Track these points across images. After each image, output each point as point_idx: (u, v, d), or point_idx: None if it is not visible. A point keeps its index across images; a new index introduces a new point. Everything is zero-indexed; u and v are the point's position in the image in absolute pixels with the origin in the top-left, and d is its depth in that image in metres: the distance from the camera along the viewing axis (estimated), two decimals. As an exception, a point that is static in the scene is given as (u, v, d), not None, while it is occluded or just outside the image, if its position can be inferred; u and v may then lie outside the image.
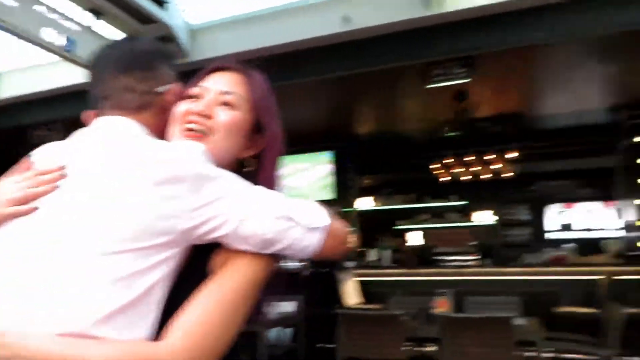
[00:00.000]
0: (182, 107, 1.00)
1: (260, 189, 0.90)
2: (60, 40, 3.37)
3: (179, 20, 4.20)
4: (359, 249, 7.48)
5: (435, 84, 4.37)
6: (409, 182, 8.62)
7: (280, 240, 0.87)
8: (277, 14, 4.37)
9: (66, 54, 3.41)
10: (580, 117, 6.51)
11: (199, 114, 0.97)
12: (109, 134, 0.94)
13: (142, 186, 0.81)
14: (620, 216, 7.30)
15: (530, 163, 7.43)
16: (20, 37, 3.15)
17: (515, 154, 6.83)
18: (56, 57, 3.96)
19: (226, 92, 1.00)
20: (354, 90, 5.44)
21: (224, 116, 0.98)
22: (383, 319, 3.44)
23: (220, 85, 1.01)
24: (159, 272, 0.81)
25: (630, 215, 6.82)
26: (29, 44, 3.51)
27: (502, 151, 6.95)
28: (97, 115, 0.99)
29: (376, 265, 6.73)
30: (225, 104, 0.99)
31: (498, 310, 3.57)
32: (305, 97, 5.62)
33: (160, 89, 1.01)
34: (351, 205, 7.55)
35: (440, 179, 7.61)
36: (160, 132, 0.99)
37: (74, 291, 0.75)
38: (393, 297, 4.95)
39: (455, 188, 8.15)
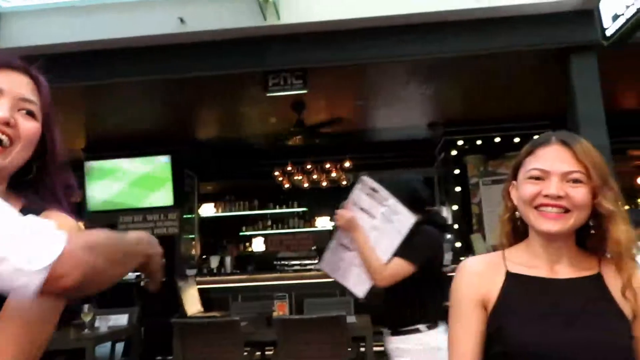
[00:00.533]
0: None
1: None
2: None
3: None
4: (200, 256, 7.28)
5: (273, 92, 4.46)
6: (251, 189, 8.65)
7: None
8: (109, 6, 4.08)
9: None
10: (405, 131, 7.15)
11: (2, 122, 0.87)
12: None
13: None
14: (438, 220, 8.18)
15: (363, 172, 7.95)
16: None
17: (348, 164, 7.27)
18: None
19: (28, 100, 0.92)
20: (193, 93, 5.30)
21: (27, 126, 0.90)
22: (221, 325, 3.37)
23: (18, 89, 0.91)
24: None
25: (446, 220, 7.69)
26: None
27: (337, 161, 7.35)
28: None
29: (218, 272, 6.60)
30: (28, 112, 0.91)
31: (333, 310, 3.71)
32: (141, 98, 5.32)
33: None
34: (192, 212, 7.32)
35: (283, 186, 7.78)
36: None
37: None
38: (234, 303, 4.89)
39: (296, 195, 8.39)
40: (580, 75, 4.28)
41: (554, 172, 1.08)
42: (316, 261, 7.57)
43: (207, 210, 8.30)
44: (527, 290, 1.11)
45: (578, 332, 1.04)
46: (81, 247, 0.74)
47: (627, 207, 1.14)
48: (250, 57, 4.25)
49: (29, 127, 0.90)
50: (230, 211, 8.67)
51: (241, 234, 8.72)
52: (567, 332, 1.04)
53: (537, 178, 1.10)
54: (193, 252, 7.17)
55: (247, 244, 8.70)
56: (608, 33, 3.76)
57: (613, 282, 1.08)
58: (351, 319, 3.80)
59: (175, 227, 6.43)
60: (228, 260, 6.63)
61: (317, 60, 4.36)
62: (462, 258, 6.55)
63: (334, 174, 7.42)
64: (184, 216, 6.78)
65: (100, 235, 0.80)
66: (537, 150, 1.13)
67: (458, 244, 6.94)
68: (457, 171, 7.18)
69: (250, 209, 8.74)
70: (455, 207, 7.18)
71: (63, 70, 3.94)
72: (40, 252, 0.70)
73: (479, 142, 7.03)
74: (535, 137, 1.17)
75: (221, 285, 6.05)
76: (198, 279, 5.94)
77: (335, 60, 4.39)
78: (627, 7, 3.45)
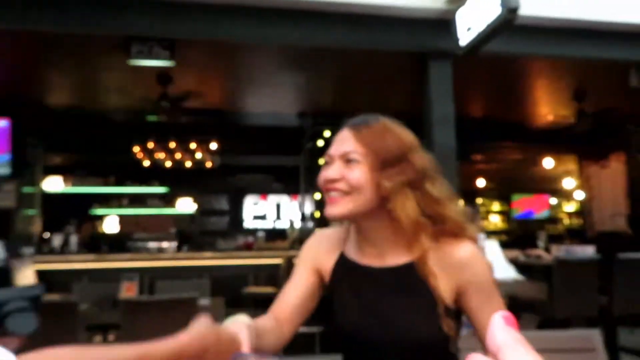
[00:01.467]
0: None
1: None
2: None
3: None
4: (41, 235, 6.60)
5: (136, 61, 4.15)
6: (107, 164, 8.03)
7: None
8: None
9: None
10: (275, 118, 7.17)
11: None
12: None
13: None
14: (301, 209, 8.38)
15: (230, 156, 7.84)
16: None
17: (216, 146, 7.09)
18: None
19: None
20: (41, 52, 4.72)
21: None
22: (56, 307, 3.07)
23: None
24: None
25: (309, 208, 7.91)
26: None
27: (204, 142, 7.12)
28: None
29: (62, 252, 6.03)
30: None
31: (186, 292, 3.59)
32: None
33: None
34: (35, 185, 6.59)
35: (142, 164, 7.33)
36: None
37: None
38: (78, 284, 4.51)
39: (157, 174, 7.98)
40: (436, 79, 4.62)
41: (335, 154, 1.09)
42: (175, 243, 7.31)
43: (54, 184, 7.53)
44: (351, 276, 1.13)
45: (377, 321, 1.07)
46: None
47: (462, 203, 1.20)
48: (112, 19, 3.90)
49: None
50: (82, 187, 7.97)
51: (92, 212, 8.07)
52: (368, 319, 1.07)
53: (326, 164, 1.11)
54: (33, 229, 6.47)
55: (99, 223, 8.08)
56: (462, 43, 4.12)
57: (429, 268, 1.06)
58: (205, 301, 3.71)
59: (11, 200, 5.73)
60: (74, 239, 6.09)
61: (186, 32, 4.15)
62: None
63: (199, 155, 7.18)
64: (24, 189, 6.07)
65: None
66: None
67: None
68: (322, 161, 7.36)
69: (105, 185, 8.12)
70: (317, 196, 7.39)
71: None
72: None
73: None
74: None
75: (65, 267, 5.54)
76: (38, 258, 5.38)
77: (206, 34, 4.21)
78: (479, 21, 3.81)
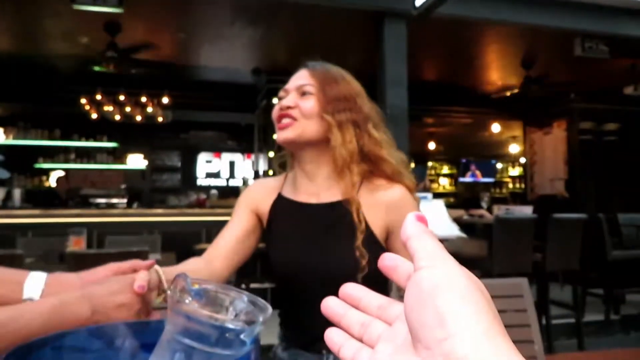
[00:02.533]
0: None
1: None
2: None
3: None
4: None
5: (82, 5, 3.96)
6: (52, 117, 7.68)
7: None
8: None
9: None
10: (229, 74, 7.04)
11: None
12: None
13: None
14: (255, 167, 8.37)
15: (183, 111, 7.67)
16: None
17: (167, 100, 6.91)
18: None
19: None
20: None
21: None
22: (3, 260, 3.00)
23: None
24: None
25: (263, 167, 7.91)
26: None
27: (155, 95, 6.92)
28: None
29: (4, 206, 5.82)
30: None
31: (135, 247, 3.57)
32: None
33: None
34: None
35: (90, 117, 7.07)
36: None
37: None
38: (22, 239, 4.40)
39: (106, 128, 7.74)
40: (390, 40, 4.65)
41: (291, 87, 1.19)
42: (125, 200, 7.18)
43: (-7, 136, 7.20)
44: (287, 213, 1.22)
45: (313, 255, 1.14)
46: None
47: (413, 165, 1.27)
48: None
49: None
50: (25, 139, 7.63)
51: (37, 166, 7.78)
52: (305, 254, 1.15)
53: (281, 98, 1.20)
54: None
55: (44, 177, 7.80)
56: (417, 4, 4.15)
57: (362, 205, 1.14)
58: (155, 256, 3.72)
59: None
60: (17, 193, 5.88)
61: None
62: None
63: (150, 109, 6.99)
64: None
65: None
66: None
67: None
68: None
69: (49, 139, 7.80)
70: (271, 154, 7.39)
71: None
72: None
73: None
74: None
75: (7, 221, 5.37)
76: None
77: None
78: (434, -18, 3.84)
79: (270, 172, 7.33)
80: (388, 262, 0.37)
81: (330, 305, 0.40)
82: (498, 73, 7.22)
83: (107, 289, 0.81)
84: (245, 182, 7.96)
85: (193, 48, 6.15)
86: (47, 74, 6.58)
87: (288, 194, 1.24)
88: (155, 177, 8.65)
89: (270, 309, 0.54)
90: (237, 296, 0.55)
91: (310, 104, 1.15)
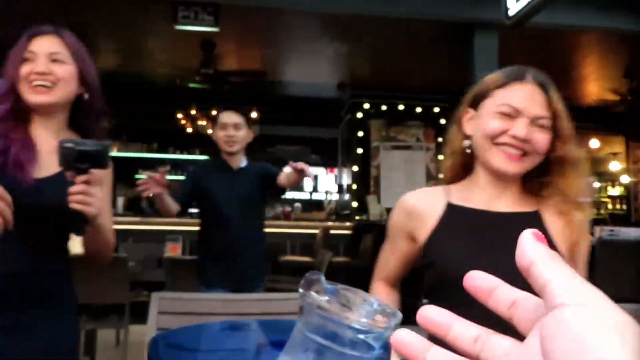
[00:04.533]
0: (24, 70, 1.26)
1: None
2: None
3: None
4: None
5: (182, 26, 4.22)
6: (150, 130, 8.21)
7: None
8: None
9: None
10: (314, 88, 7.17)
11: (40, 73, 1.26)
12: None
13: None
14: (338, 180, 8.43)
15: (269, 125, 7.90)
16: None
17: (256, 114, 7.16)
18: None
19: (55, 52, 1.29)
20: (87, 14, 4.81)
21: (59, 70, 1.28)
22: (110, 262, 3.23)
23: (47, 49, 1.29)
24: None
25: (346, 180, 7.94)
26: None
27: (244, 110, 7.18)
28: None
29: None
30: (57, 60, 1.29)
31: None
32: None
33: None
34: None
35: (185, 131, 7.49)
36: None
37: None
38: (123, 244, 4.72)
39: (198, 141, 8.14)
40: (481, 51, 4.53)
41: (526, 112, 1.06)
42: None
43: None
44: (466, 221, 1.13)
45: (506, 265, 1.08)
46: None
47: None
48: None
49: (60, 70, 1.28)
50: (126, 152, 8.22)
51: (137, 176, 8.33)
52: (497, 264, 1.09)
53: (506, 114, 1.07)
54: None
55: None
56: (510, 13, 4.01)
57: (550, 220, 1.10)
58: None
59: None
60: (120, 201, 6.33)
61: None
62: (357, 217, 6.87)
63: (239, 124, 7.26)
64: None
65: None
66: (511, 85, 1.10)
67: (355, 204, 7.21)
68: (360, 134, 7.38)
69: (148, 151, 8.34)
70: (355, 168, 7.41)
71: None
72: None
73: (383, 107, 7.27)
74: (508, 68, 1.14)
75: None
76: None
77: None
78: (530, -10, 3.69)
79: (355, 186, 7.34)
80: (482, 282, 0.33)
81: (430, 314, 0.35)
82: (597, 84, 6.78)
83: None
84: (328, 195, 8.02)
85: (280, 64, 6.34)
86: (147, 90, 7.06)
87: (458, 202, 1.16)
88: (243, 189, 8.93)
89: (400, 314, 0.53)
90: (367, 299, 0.54)
91: (546, 140, 1.08)
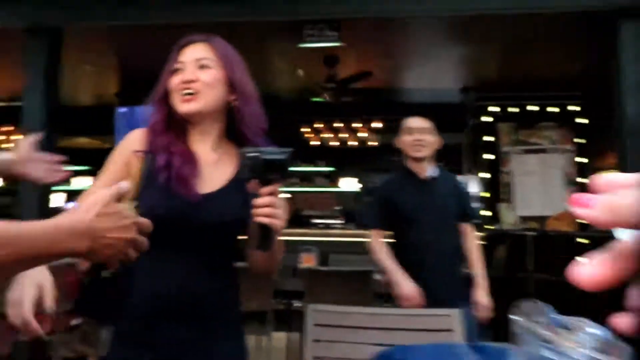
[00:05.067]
0: (173, 80, 1.28)
1: None
2: None
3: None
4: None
5: (308, 44, 4.37)
6: (277, 145, 8.60)
7: None
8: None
9: None
10: (436, 94, 6.99)
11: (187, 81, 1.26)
12: None
13: None
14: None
15: (391, 134, 7.85)
16: None
17: (379, 124, 7.17)
18: None
19: (202, 58, 1.30)
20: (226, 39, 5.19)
21: (205, 75, 1.28)
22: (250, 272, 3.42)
23: (194, 55, 1.30)
24: None
25: (474, 188, 7.61)
26: None
27: (367, 121, 7.25)
28: None
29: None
30: (204, 66, 1.29)
31: (358, 266, 3.75)
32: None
33: None
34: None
35: (309, 144, 7.75)
36: None
37: None
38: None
39: (323, 153, 8.36)
40: (628, 41, 4.09)
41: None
42: (340, 221, 7.61)
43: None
44: None
45: None
46: None
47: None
48: (285, 5, 4.16)
49: (205, 75, 1.27)
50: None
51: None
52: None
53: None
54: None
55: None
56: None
57: None
58: (378, 275, 3.83)
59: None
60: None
61: (353, 11, 4.24)
62: (488, 227, 6.55)
63: (362, 134, 7.35)
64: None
65: None
66: None
67: (486, 213, 6.89)
68: (488, 138, 7.05)
69: (276, 166, 8.73)
70: (484, 175, 7.09)
71: (103, 7, 3.95)
72: None
73: (512, 109, 6.87)
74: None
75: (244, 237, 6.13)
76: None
77: (372, 11, 4.26)
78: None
79: (484, 195, 7.01)
80: None
81: None
82: None
83: (110, 224, 0.80)
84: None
85: (401, 72, 6.30)
86: (272, 106, 7.41)
87: None
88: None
89: (628, 348, 0.48)
90: (591, 328, 0.50)
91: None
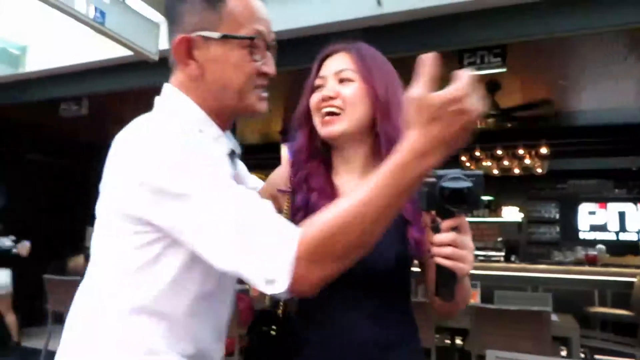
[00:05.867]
0: (313, 99, 1.10)
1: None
2: (90, 12, 3.33)
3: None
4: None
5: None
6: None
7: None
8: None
9: (97, 25, 3.35)
10: (614, 115, 6.26)
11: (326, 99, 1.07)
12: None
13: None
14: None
15: (560, 160, 7.20)
16: (51, 5, 3.10)
17: (545, 150, 6.61)
18: (84, 31, 3.94)
19: (341, 70, 1.09)
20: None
21: (346, 91, 1.07)
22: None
23: (334, 67, 1.10)
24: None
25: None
26: (56, 17, 3.51)
27: (532, 146, 6.74)
28: None
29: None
30: (344, 80, 1.08)
31: (528, 305, 3.41)
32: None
33: (170, 45, 0.91)
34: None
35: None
36: (193, 91, 0.93)
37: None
38: (419, 287, 4.83)
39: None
40: None
41: None
42: (503, 253, 7.12)
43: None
44: None
45: None
46: (314, 252, 0.73)
47: None
48: (445, 35, 4.07)
49: (346, 91, 1.06)
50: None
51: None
52: None
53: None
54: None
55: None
56: None
57: None
58: (552, 316, 3.45)
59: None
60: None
61: (518, 35, 3.99)
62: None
63: (527, 161, 6.83)
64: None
65: (338, 214, 0.73)
66: None
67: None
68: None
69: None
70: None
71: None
72: (276, 271, 0.72)
73: None
74: None
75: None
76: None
77: (539, 33, 3.96)
78: None
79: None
80: None
81: None
82: None
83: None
84: (642, 236, 6.76)
85: (573, 93, 5.75)
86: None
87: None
88: (532, 229, 8.31)
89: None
90: None
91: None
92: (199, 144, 0.80)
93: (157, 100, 0.93)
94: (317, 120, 1.09)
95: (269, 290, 0.72)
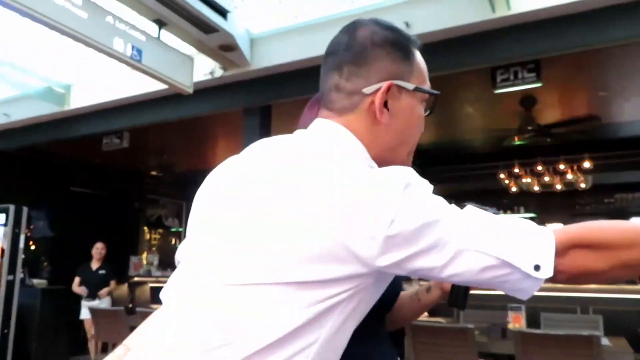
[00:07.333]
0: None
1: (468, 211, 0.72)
2: (127, 50, 3.46)
3: (241, 29, 4.23)
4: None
5: (502, 89, 4.13)
6: (472, 193, 8.24)
7: (489, 285, 0.72)
8: (337, 21, 4.31)
9: (134, 63, 3.48)
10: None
11: None
12: (299, 143, 0.82)
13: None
14: None
15: (605, 173, 6.94)
16: (91, 46, 3.24)
17: (588, 164, 6.39)
18: (122, 68, 4.10)
19: None
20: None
21: None
22: (453, 332, 3.22)
23: None
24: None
25: None
26: (97, 56, 3.67)
27: (574, 161, 6.52)
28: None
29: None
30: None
31: (577, 329, 3.26)
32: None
33: (367, 89, 0.84)
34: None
35: (509, 190, 7.24)
36: (368, 137, 0.84)
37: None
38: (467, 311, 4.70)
39: (522, 199, 7.75)
40: None
41: None
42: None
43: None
44: None
45: None
46: (576, 244, 0.72)
47: None
48: (477, 53, 4.03)
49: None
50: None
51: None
52: None
53: None
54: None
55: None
56: None
57: None
58: (604, 340, 3.28)
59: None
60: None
61: (551, 49, 3.91)
62: None
63: (569, 176, 6.61)
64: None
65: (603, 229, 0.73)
66: None
67: None
68: None
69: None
70: None
71: (301, 85, 4.34)
72: (542, 257, 0.70)
73: None
74: None
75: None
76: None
77: (574, 46, 3.87)
78: None
79: None
80: None
81: None
82: None
83: None
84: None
85: (616, 104, 5.57)
86: (463, 155, 7.15)
87: None
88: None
89: None
90: None
91: None
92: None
93: (319, 138, 0.84)
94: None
95: (537, 275, 0.71)
